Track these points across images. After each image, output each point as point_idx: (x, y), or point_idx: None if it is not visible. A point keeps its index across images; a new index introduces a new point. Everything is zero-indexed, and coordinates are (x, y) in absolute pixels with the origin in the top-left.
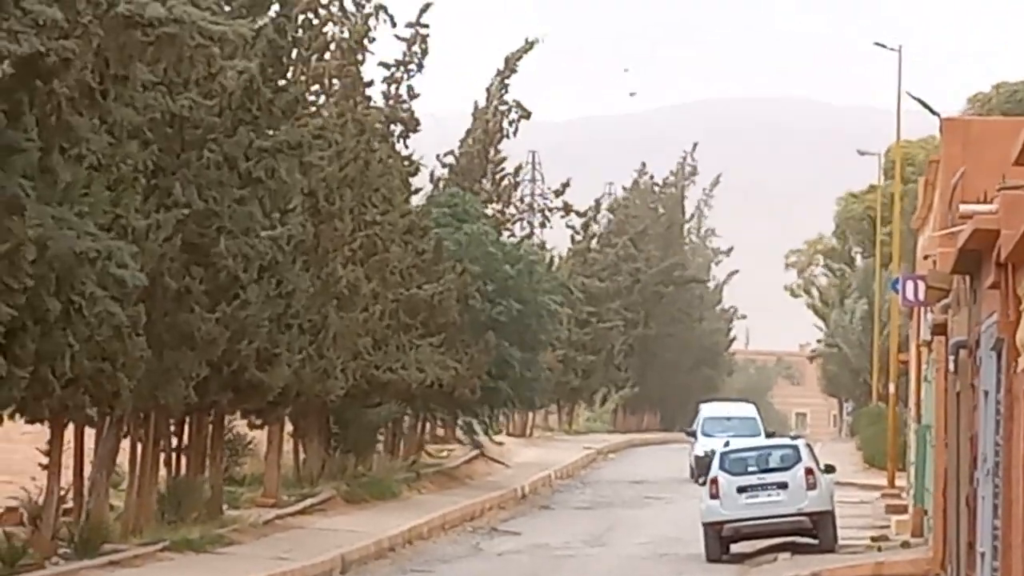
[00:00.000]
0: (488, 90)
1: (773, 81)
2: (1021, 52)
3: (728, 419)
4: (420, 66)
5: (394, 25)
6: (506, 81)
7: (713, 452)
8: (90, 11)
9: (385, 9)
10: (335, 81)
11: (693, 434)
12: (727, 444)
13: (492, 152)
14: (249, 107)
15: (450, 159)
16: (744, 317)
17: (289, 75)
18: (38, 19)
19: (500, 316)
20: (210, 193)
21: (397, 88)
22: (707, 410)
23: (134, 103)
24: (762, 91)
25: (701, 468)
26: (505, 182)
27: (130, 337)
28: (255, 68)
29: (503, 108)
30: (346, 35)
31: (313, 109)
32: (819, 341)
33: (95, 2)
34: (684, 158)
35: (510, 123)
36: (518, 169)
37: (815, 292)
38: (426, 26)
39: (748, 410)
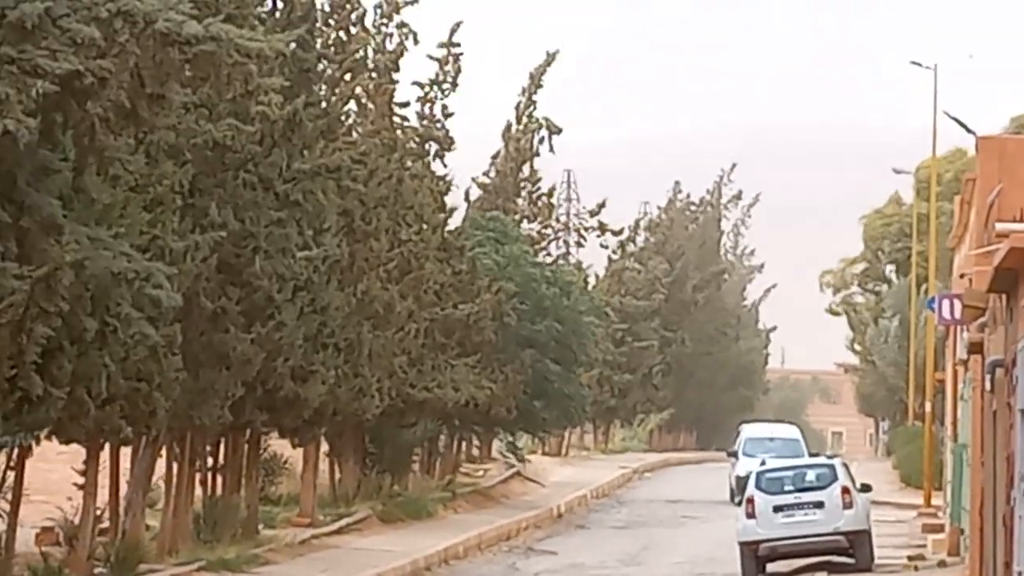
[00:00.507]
0: (517, 108)
1: (796, 102)
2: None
3: (771, 440)
4: (454, 85)
5: (416, 43)
6: (533, 97)
7: None
8: (127, 29)
9: (409, 27)
10: (365, 101)
11: (734, 454)
12: (763, 463)
13: (527, 170)
14: (289, 136)
15: (485, 179)
16: (775, 328)
17: (321, 94)
18: (75, 38)
19: (539, 335)
20: (246, 214)
21: (431, 108)
22: (749, 431)
23: (175, 126)
24: (788, 112)
25: (741, 489)
26: (540, 201)
27: (166, 357)
28: (300, 103)
29: (532, 126)
30: (371, 54)
31: (345, 129)
32: (855, 354)
33: (132, 20)
34: (721, 178)
35: (540, 140)
36: (552, 189)
37: (853, 312)
38: (458, 45)
39: (791, 431)
